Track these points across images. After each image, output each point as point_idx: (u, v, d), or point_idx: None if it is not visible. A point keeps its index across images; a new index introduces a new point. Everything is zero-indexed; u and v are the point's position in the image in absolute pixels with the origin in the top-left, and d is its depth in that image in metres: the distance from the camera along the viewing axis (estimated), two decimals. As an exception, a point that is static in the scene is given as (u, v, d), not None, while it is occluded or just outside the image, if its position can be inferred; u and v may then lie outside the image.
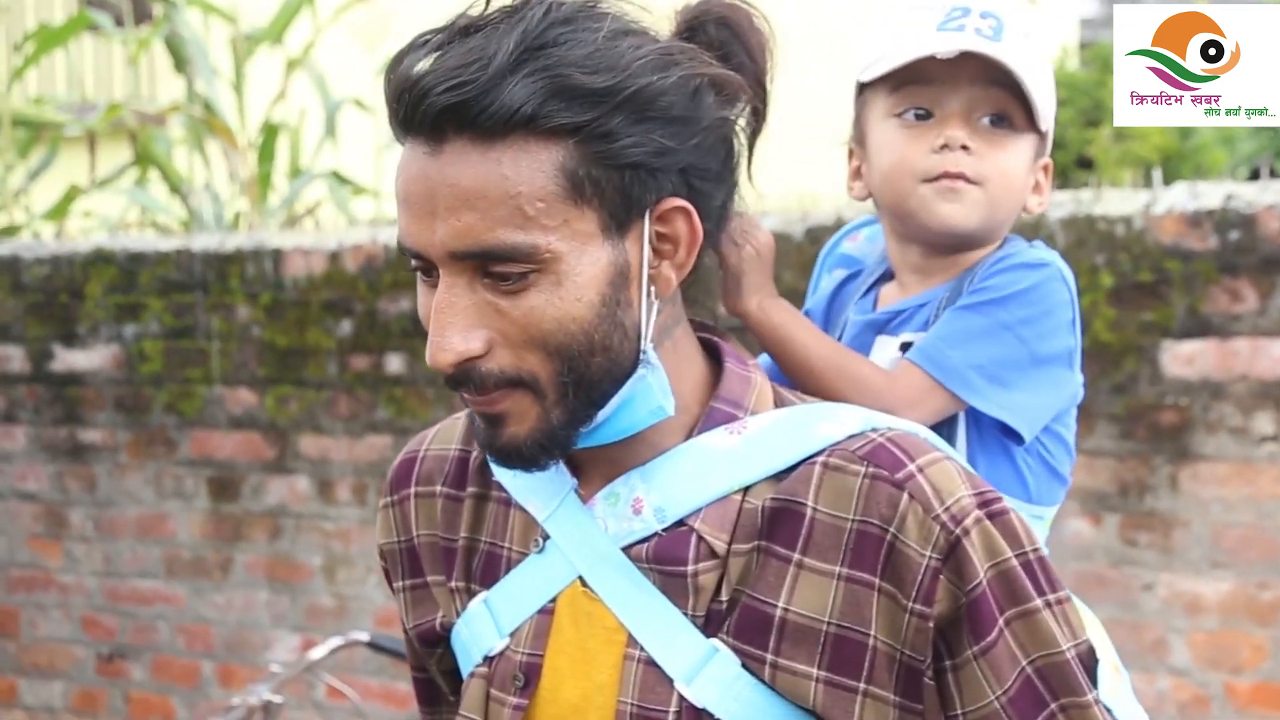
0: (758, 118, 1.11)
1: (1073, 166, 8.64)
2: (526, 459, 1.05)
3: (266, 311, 4.17)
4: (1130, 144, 8.48)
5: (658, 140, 0.99)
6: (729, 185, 1.09)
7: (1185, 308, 3.09)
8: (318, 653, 3.15)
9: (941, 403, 1.33)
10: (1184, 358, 3.10)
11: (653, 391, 1.05)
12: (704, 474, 1.07)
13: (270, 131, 6.00)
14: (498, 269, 0.98)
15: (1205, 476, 3.10)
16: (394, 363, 4.00)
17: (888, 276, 1.53)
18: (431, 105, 0.95)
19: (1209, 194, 3.11)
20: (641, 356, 1.04)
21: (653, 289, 1.04)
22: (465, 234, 0.96)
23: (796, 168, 5.35)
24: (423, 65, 0.98)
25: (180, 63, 6.10)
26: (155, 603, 4.41)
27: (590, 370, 1.01)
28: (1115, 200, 3.20)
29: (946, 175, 1.37)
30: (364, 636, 3.21)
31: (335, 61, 7.06)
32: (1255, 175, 3.56)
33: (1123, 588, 3.16)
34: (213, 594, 4.33)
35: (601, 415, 1.04)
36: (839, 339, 1.48)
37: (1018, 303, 1.38)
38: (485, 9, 1.00)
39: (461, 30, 0.99)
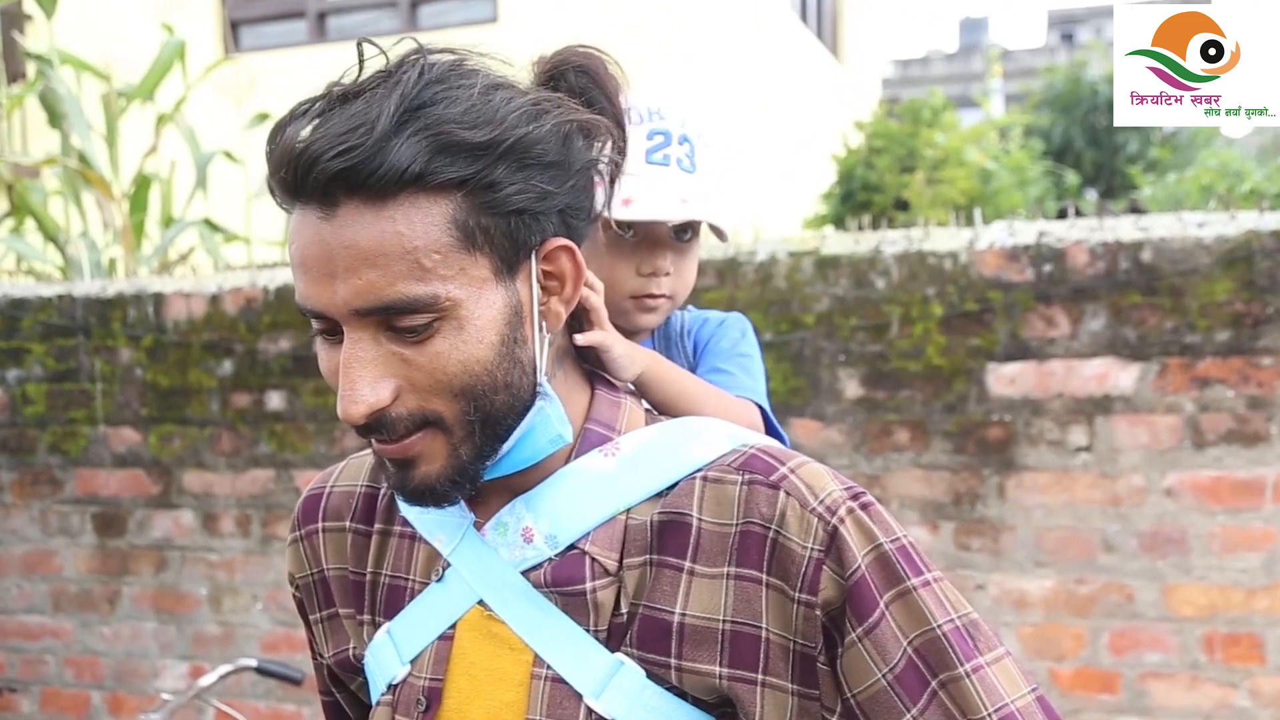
0: (618, 156, 1.10)
1: (891, 208, 8.88)
2: (439, 496, 1.03)
3: (148, 353, 4.07)
4: (940, 187, 8.76)
5: (538, 185, 0.99)
6: (595, 222, 1.10)
7: (1007, 333, 3.20)
8: (207, 679, 3.08)
9: (760, 423, 1.52)
10: (1007, 378, 3.21)
11: (551, 422, 1.05)
12: (587, 498, 1.06)
13: (143, 182, 5.88)
14: (402, 322, 0.96)
15: (1028, 485, 3.21)
16: (274, 400, 3.93)
17: None
18: (322, 171, 0.93)
19: (1024, 231, 3.23)
20: (538, 389, 1.04)
21: (544, 324, 1.04)
22: (367, 291, 0.95)
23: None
24: (305, 133, 0.95)
25: (55, 118, 5.94)
26: (43, 637, 4.25)
27: (494, 407, 1.01)
28: (942, 238, 3.30)
29: (650, 296, 1.52)
30: (252, 662, 3.14)
31: (204, 116, 6.94)
32: (1063, 214, 3.70)
33: (958, 588, 3.24)
34: (100, 626, 4.19)
35: (505, 447, 1.04)
36: None
37: (746, 343, 1.61)
38: (359, 75, 0.98)
39: (340, 97, 0.96)
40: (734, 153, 9.37)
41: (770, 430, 1.53)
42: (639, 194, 1.46)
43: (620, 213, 1.46)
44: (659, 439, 1.10)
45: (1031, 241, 3.18)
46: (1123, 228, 3.14)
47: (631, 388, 1.25)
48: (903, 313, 3.27)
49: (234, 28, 10.51)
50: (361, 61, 0.99)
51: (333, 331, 1.00)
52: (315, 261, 0.96)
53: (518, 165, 0.97)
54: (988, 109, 13.43)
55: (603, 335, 1.18)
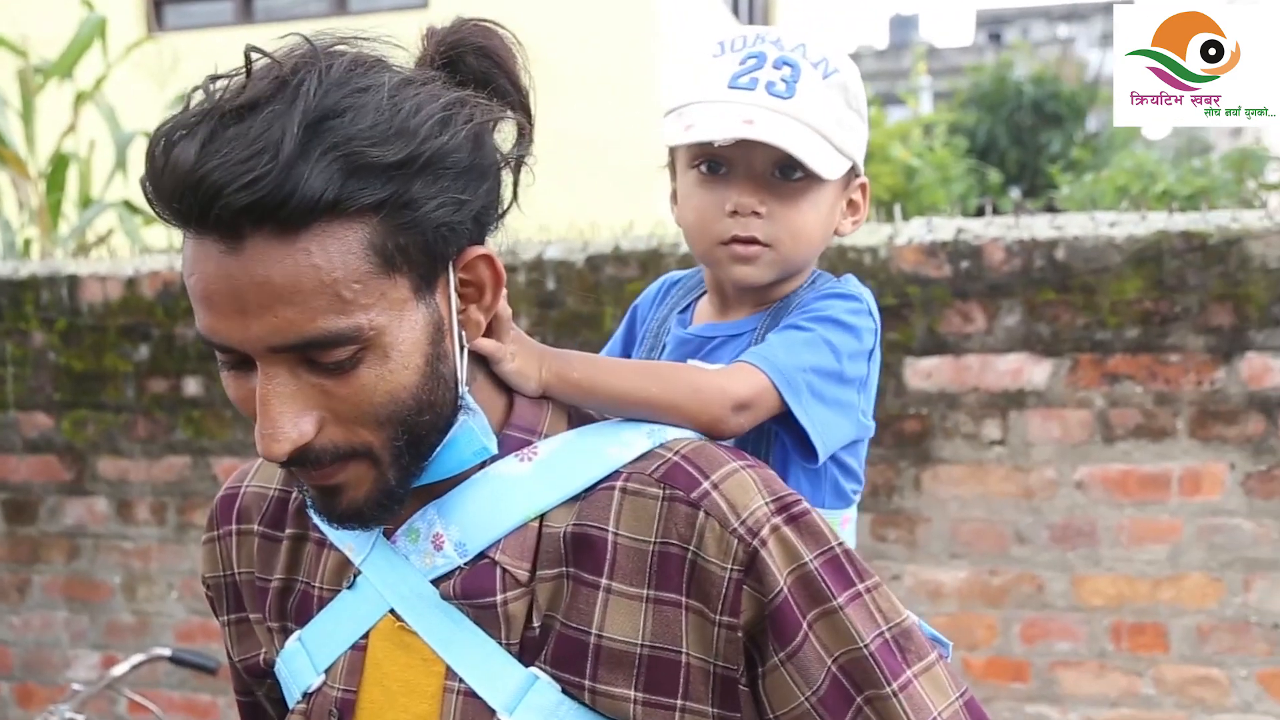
0: (523, 141, 1.04)
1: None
2: (368, 519, 1.00)
3: (62, 337, 4.00)
4: (866, 183, 8.88)
5: (454, 196, 0.93)
6: (503, 218, 1.05)
7: (924, 328, 3.24)
8: (120, 669, 3.04)
9: (770, 404, 1.21)
10: (923, 372, 3.25)
11: (475, 434, 1.01)
12: (498, 504, 1.02)
13: (60, 162, 5.77)
14: (323, 357, 0.91)
15: (943, 478, 3.26)
16: (191, 385, 3.88)
17: (704, 292, 1.45)
18: (227, 206, 0.85)
19: (942, 228, 3.27)
20: (461, 402, 1.00)
21: (463, 334, 1.00)
22: (285, 329, 0.88)
23: (572, 196, 5.40)
24: (190, 154, 0.86)
25: (-32, 94, 5.81)
26: (-51, 626, 4.16)
27: (420, 429, 0.97)
28: (862, 233, 3.33)
29: (737, 240, 1.31)
30: (166, 651, 3.11)
31: (125, 95, 6.82)
32: (981, 212, 3.76)
33: (874, 579, 3.29)
34: (9, 616, 4.11)
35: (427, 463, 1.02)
36: (660, 355, 1.40)
37: (836, 324, 1.31)
38: (246, 81, 0.89)
39: (234, 112, 0.87)
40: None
41: (785, 404, 1.23)
42: (701, 118, 1.28)
43: (677, 137, 1.29)
44: (575, 441, 1.06)
45: (949, 238, 3.22)
46: (1038, 226, 3.20)
47: None
48: (823, 306, 3.30)
49: (157, 6, 10.35)
50: (249, 69, 0.90)
51: (240, 362, 0.94)
52: (221, 297, 0.89)
53: (433, 178, 0.92)
54: (915, 106, 13.59)
55: (494, 346, 1.06)
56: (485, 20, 1.04)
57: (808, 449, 1.25)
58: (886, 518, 3.30)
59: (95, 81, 6.04)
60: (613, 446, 1.05)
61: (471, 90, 0.98)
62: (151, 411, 3.92)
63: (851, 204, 1.40)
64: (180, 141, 0.87)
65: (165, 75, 6.68)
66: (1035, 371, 3.17)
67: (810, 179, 1.29)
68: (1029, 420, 3.18)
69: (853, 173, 1.37)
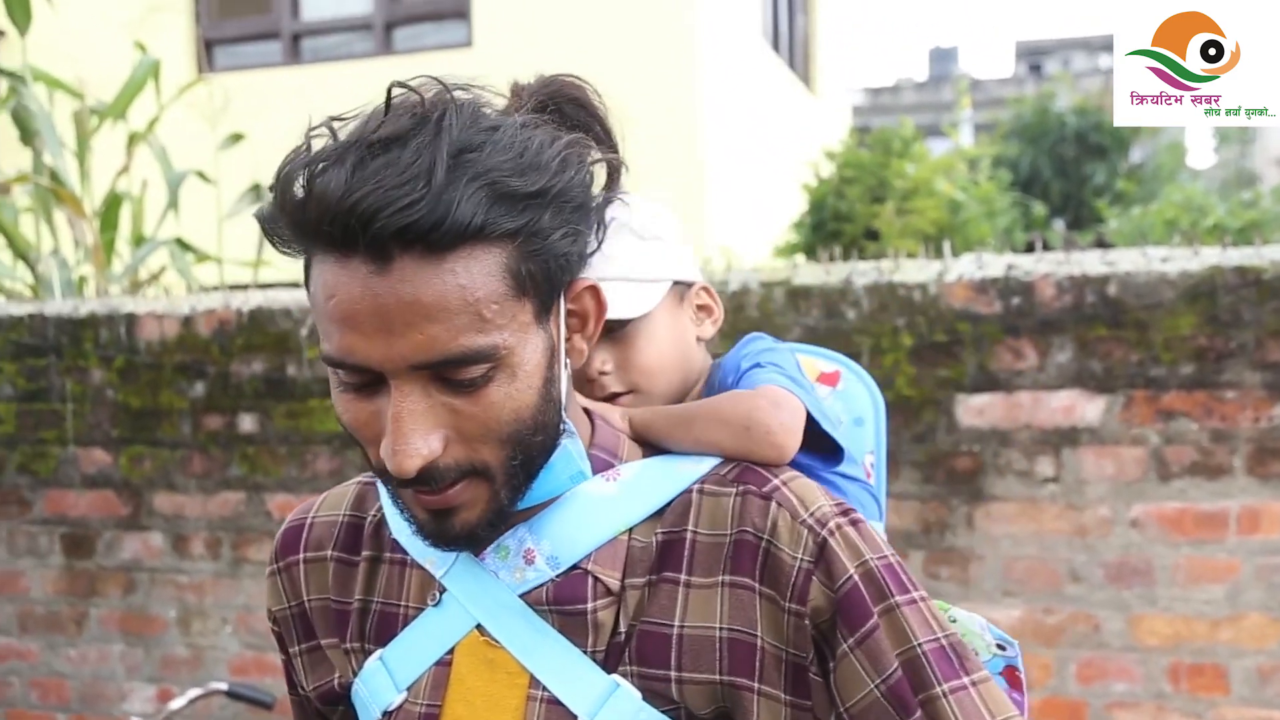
0: (613, 183, 1.11)
1: (861, 238, 8.95)
2: (478, 540, 1.04)
3: (120, 374, 4.06)
4: (910, 218, 8.83)
5: (574, 227, 0.99)
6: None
7: (975, 365, 3.23)
8: (177, 703, 3.07)
9: (798, 403, 1.25)
10: (975, 409, 3.25)
11: (573, 458, 1.07)
12: (589, 520, 1.07)
13: (114, 201, 5.86)
14: (459, 374, 0.95)
15: (996, 515, 3.24)
16: (246, 422, 3.92)
17: None
18: (384, 228, 0.89)
19: (992, 264, 3.27)
20: (564, 426, 1.05)
21: (568, 361, 1.05)
22: (430, 346, 0.93)
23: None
24: (340, 181, 0.90)
25: (27, 135, 5.92)
26: (9, 658, 4.21)
27: (533, 449, 1.02)
28: (912, 269, 3.34)
29: (607, 400, 1.39)
30: (222, 685, 3.14)
31: (177, 136, 6.94)
32: (1031, 247, 3.75)
33: (926, 617, 3.27)
34: (67, 648, 4.16)
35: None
36: None
37: (766, 349, 1.40)
38: (385, 116, 0.94)
39: (380, 143, 0.92)
40: (710, 181, 9.43)
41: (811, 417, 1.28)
42: None
43: None
44: (656, 464, 1.12)
45: (1000, 274, 3.22)
46: (1089, 261, 3.19)
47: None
48: (873, 343, 3.31)
49: (208, 47, 10.50)
50: (389, 104, 0.95)
51: (366, 384, 0.98)
52: (367, 316, 0.92)
53: (557, 210, 0.97)
54: (956, 139, 13.57)
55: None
56: (573, 75, 1.11)
57: (824, 451, 1.31)
58: (939, 555, 3.29)
59: (148, 122, 6.15)
60: (687, 463, 1.12)
61: (581, 136, 1.05)
62: (207, 448, 3.97)
63: (702, 308, 1.48)
64: (326, 171, 0.92)
65: (216, 115, 6.78)
66: (1088, 408, 3.16)
67: (634, 321, 1.39)
68: (1082, 458, 3.17)
69: (683, 288, 1.45)
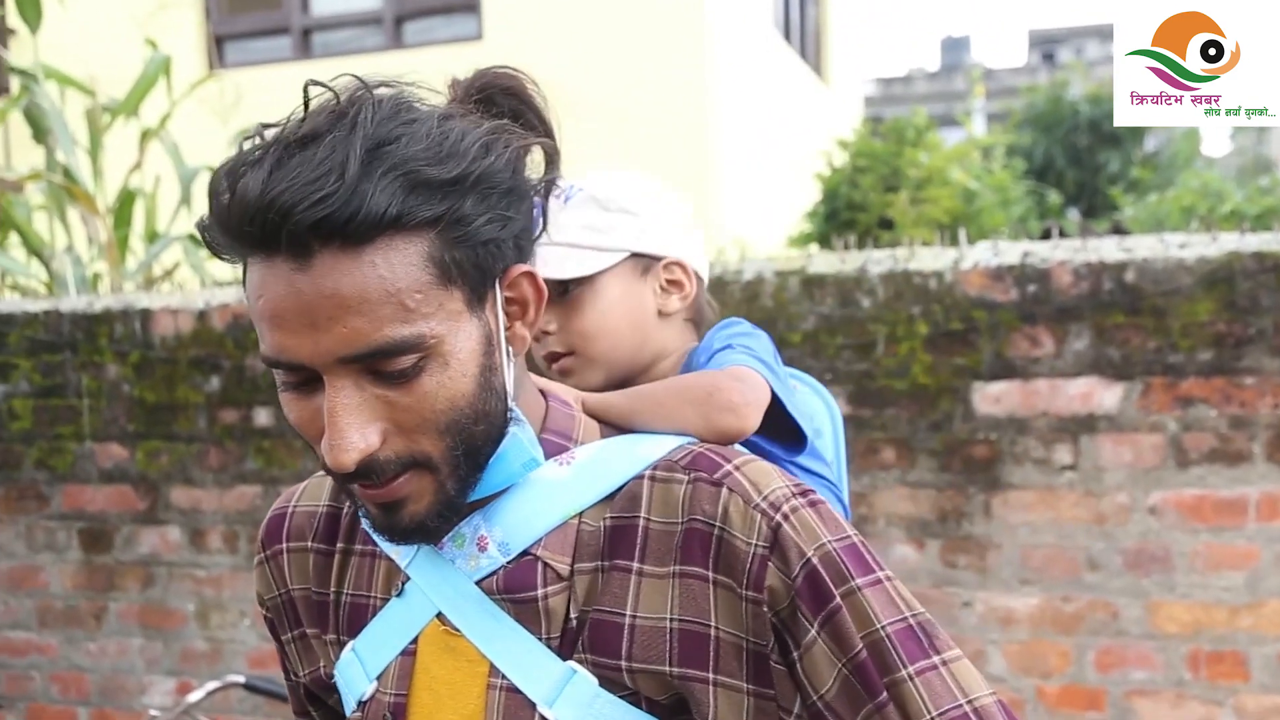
0: (551, 168, 1.11)
1: (875, 227, 8.93)
2: (430, 532, 1.04)
3: (135, 369, 4.07)
4: (924, 207, 8.81)
5: (500, 213, 0.99)
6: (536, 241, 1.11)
7: (992, 353, 3.23)
8: (195, 695, 3.08)
9: (765, 392, 1.28)
10: (992, 397, 3.24)
11: (523, 445, 1.07)
12: (540, 505, 1.07)
13: (127, 198, 5.88)
14: (388, 366, 0.96)
15: (1013, 503, 3.24)
16: (262, 416, 3.94)
17: None
18: (299, 222, 0.90)
19: (1009, 251, 3.26)
20: (510, 414, 1.05)
21: (510, 349, 1.05)
22: (354, 339, 0.93)
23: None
24: (259, 181, 0.92)
25: (40, 133, 5.94)
26: (29, 653, 4.24)
27: (475, 438, 1.01)
28: (927, 257, 3.33)
29: (549, 359, 1.48)
30: (240, 678, 3.14)
31: (189, 131, 6.95)
32: (1047, 235, 3.74)
33: (944, 606, 3.27)
34: (86, 642, 4.18)
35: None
36: None
37: (747, 335, 1.45)
38: (304, 116, 0.96)
39: (298, 142, 0.93)
40: (722, 172, 9.42)
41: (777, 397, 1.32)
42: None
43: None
44: (611, 445, 1.12)
45: (1016, 262, 3.21)
46: (1106, 248, 3.18)
47: None
48: (888, 332, 3.30)
49: (219, 43, 10.52)
50: (307, 103, 0.97)
51: (304, 382, 0.99)
52: (292, 313, 0.94)
53: (481, 197, 0.98)
54: (970, 128, 13.53)
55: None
56: (507, 66, 1.12)
57: (787, 439, 1.35)
58: (956, 544, 3.28)
59: (160, 119, 6.16)
60: (643, 446, 1.11)
61: (506, 122, 1.05)
62: (223, 442, 3.98)
63: (672, 283, 1.52)
64: (246, 173, 0.93)
65: (228, 111, 6.81)
66: (1106, 395, 3.15)
67: (583, 285, 1.45)
68: (1100, 445, 3.16)
69: (645, 260, 1.49)
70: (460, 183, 0.96)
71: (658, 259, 1.51)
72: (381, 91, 0.98)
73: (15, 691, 4.26)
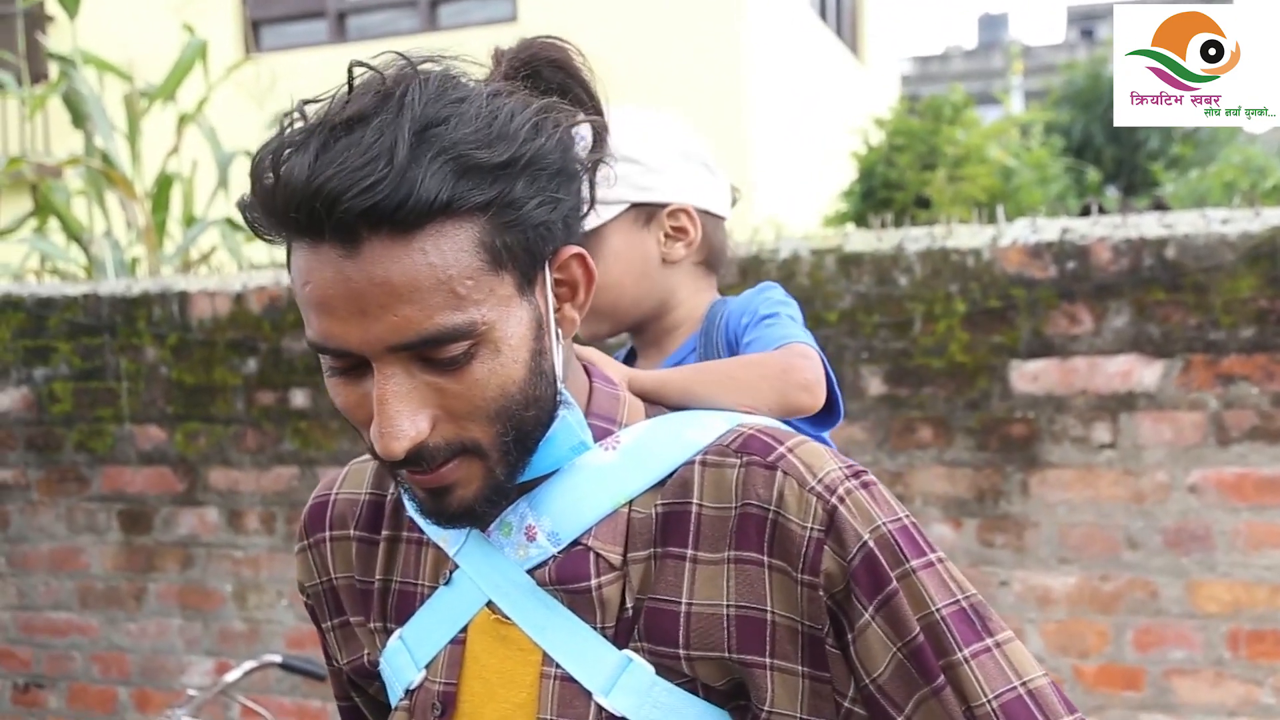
0: (599, 146, 1.08)
1: (911, 206, 8.88)
2: (479, 517, 1.03)
3: (174, 352, 4.10)
4: (961, 185, 8.75)
5: (550, 195, 0.97)
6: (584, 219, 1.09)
7: (1030, 330, 3.20)
8: (233, 675, 3.11)
9: (821, 371, 1.31)
10: (1030, 375, 3.21)
11: (573, 429, 1.05)
12: (588, 493, 1.05)
13: (165, 182, 5.91)
14: (439, 353, 0.94)
15: (1051, 482, 3.21)
16: (299, 398, 3.96)
17: (632, 356, 1.60)
18: (348, 210, 0.88)
19: (1047, 228, 3.23)
20: (559, 398, 1.03)
21: (559, 331, 1.03)
22: (404, 327, 0.92)
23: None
24: (305, 166, 0.90)
25: (78, 118, 5.99)
26: (70, 633, 4.29)
27: (526, 423, 1.00)
28: (965, 235, 3.30)
29: None
30: (277, 658, 3.17)
31: (226, 116, 6.98)
32: (1087, 211, 3.70)
33: (982, 585, 3.25)
34: (126, 623, 4.22)
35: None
36: None
37: (779, 300, 1.46)
38: (349, 97, 0.93)
39: (343, 124, 0.91)
40: (757, 151, 9.38)
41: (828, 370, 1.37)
42: None
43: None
44: (657, 428, 1.10)
45: (1055, 239, 3.18)
46: (1147, 224, 3.14)
47: None
48: (926, 310, 3.28)
49: (255, 27, 10.58)
50: (351, 83, 0.94)
51: (352, 368, 0.97)
52: (341, 301, 0.92)
53: (531, 179, 0.95)
54: (1008, 106, 13.42)
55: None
56: (553, 36, 1.09)
57: (825, 414, 1.37)
58: (993, 523, 3.26)
59: (197, 103, 6.20)
60: (691, 430, 1.08)
61: (554, 99, 1.03)
62: (260, 423, 4.00)
63: (677, 229, 1.51)
64: (291, 157, 0.91)
65: (264, 95, 6.81)
66: (1145, 373, 3.11)
67: (583, 239, 1.45)
68: (1139, 423, 3.13)
69: (654, 206, 1.49)
70: (511, 166, 0.94)
71: (661, 206, 1.50)
72: (427, 69, 0.96)
73: (56, 671, 4.31)
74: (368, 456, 1.19)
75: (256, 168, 0.93)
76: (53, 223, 6.18)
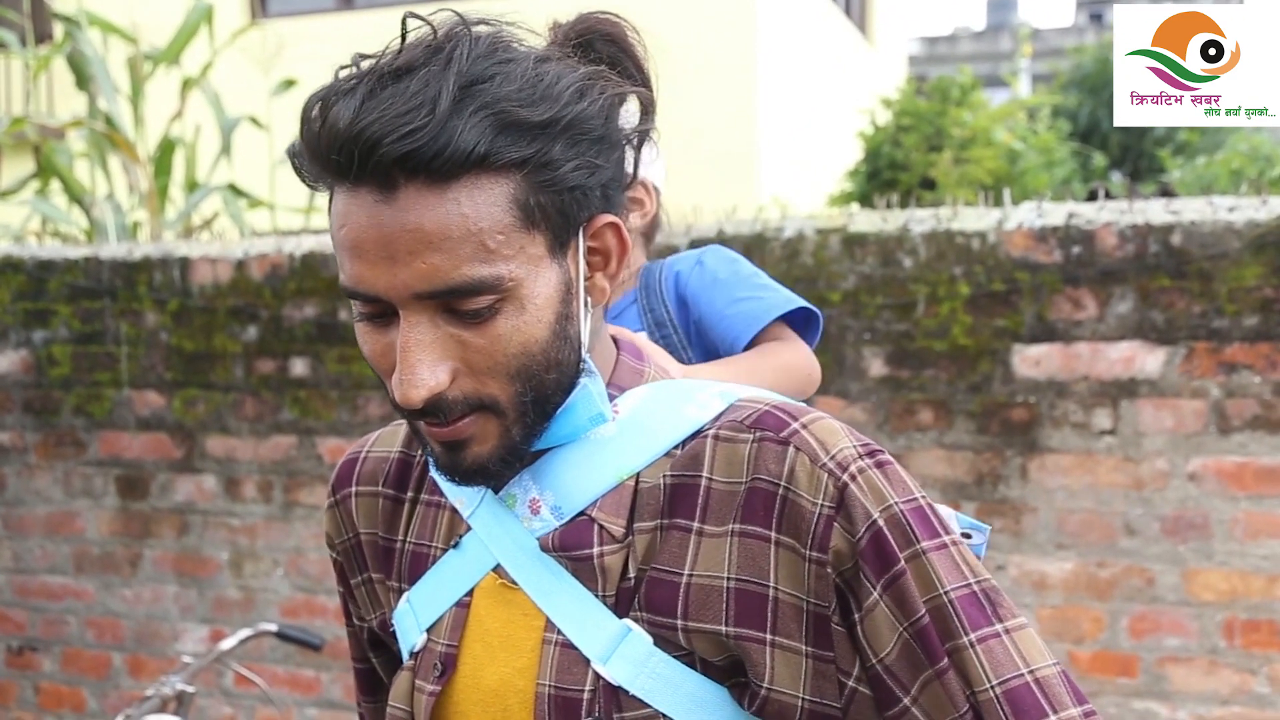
0: (646, 119, 1.10)
1: (917, 187, 8.85)
2: (492, 474, 1.04)
3: (174, 317, 4.09)
4: (967, 167, 8.72)
5: (589, 160, 0.98)
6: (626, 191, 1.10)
7: (1033, 315, 3.19)
8: (228, 643, 3.11)
9: (803, 345, 1.49)
10: (1032, 360, 3.20)
11: (593, 399, 1.05)
12: (590, 466, 1.06)
13: (168, 147, 5.90)
14: (465, 305, 0.95)
15: (1051, 467, 3.21)
16: (298, 366, 3.95)
17: None
18: (386, 155, 0.91)
19: (1053, 212, 3.21)
20: (583, 366, 1.04)
21: (588, 299, 1.04)
22: (432, 275, 0.93)
23: (672, 180, 5.39)
24: (349, 110, 0.92)
25: (82, 80, 5.97)
26: (65, 597, 4.29)
27: (545, 386, 1.01)
28: (970, 217, 3.29)
29: None
30: (272, 627, 3.17)
31: (230, 81, 6.95)
32: (1093, 196, 3.69)
33: (978, 569, 3.24)
34: (121, 589, 4.23)
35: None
36: None
37: (740, 264, 1.56)
38: (400, 49, 0.96)
39: (392, 74, 0.93)
40: (764, 130, 9.34)
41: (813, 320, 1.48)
42: None
43: None
44: (651, 398, 1.09)
45: (1060, 223, 3.16)
46: (1153, 211, 3.13)
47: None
48: (929, 292, 3.27)
49: (260, -7, 10.52)
50: (404, 35, 0.97)
51: (381, 315, 0.99)
52: (373, 244, 0.94)
53: (571, 142, 0.97)
54: (1015, 88, 13.37)
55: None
56: (608, 12, 1.10)
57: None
58: (992, 507, 3.26)
59: (201, 68, 6.17)
60: (689, 406, 1.08)
61: (603, 68, 1.04)
62: (259, 392, 4.00)
63: (633, 201, 1.60)
64: (338, 102, 0.93)
65: (269, 61, 6.79)
66: (1148, 360, 3.11)
67: None
68: (1140, 410, 3.12)
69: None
70: (551, 126, 0.95)
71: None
72: (479, 29, 0.98)
73: (51, 635, 4.32)
74: (402, 420, 1.20)
75: (306, 112, 0.96)
76: (54, 185, 6.16)
